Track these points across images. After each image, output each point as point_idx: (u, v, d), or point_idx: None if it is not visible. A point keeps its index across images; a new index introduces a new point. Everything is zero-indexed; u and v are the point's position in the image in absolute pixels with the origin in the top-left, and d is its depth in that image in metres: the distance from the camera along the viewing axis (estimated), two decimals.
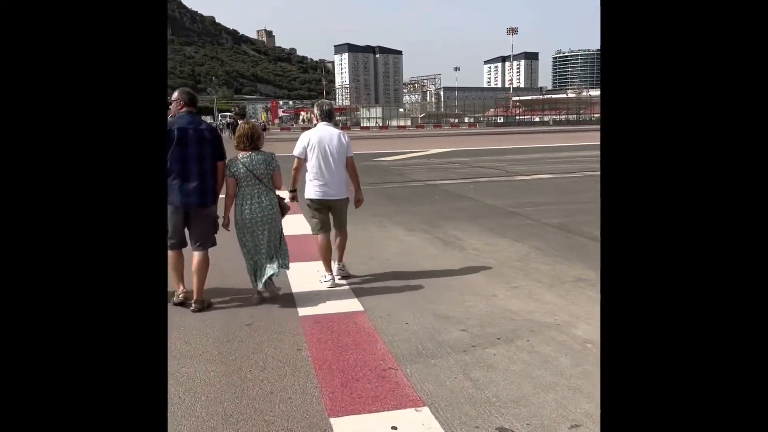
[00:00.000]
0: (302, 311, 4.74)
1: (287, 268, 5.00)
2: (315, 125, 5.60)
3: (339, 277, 5.55)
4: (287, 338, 4.17)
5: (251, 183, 4.83)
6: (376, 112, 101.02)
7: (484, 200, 11.01)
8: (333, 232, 5.58)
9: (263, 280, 4.86)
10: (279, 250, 4.96)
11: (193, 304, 4.77)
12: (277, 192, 5.03)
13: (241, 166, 4.80)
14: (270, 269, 4.85)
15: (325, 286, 5.35)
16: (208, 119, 78.24)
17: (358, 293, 5.20)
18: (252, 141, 4.88)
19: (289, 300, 5.04)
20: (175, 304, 4.79)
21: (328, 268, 5.46)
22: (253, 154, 4.86)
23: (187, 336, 4.24)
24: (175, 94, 4.91)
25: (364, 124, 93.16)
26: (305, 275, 5.68)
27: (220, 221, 4.98)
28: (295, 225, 7.84)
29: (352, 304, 4.90)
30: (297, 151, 5.39)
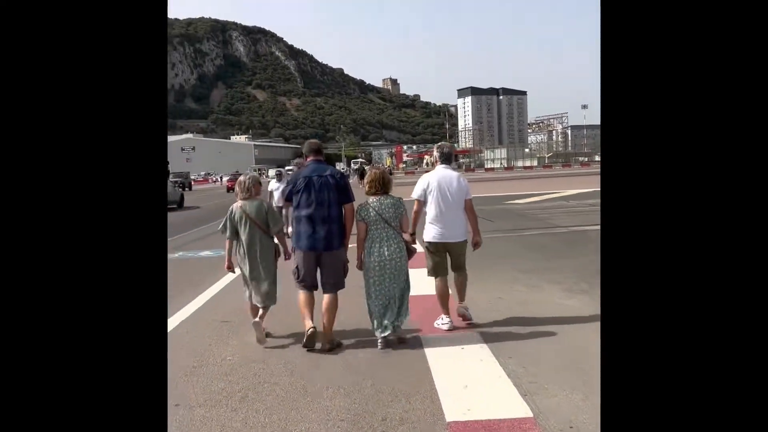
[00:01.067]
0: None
1: (406, 315, 5.03)
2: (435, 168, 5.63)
3: (459, 317, 5.44)
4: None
5: (380, 227, 4.92)
6: (501, 153, 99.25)
7: None
8: (452, 275, 5.52)
9: (386, 330, 4.85)
10: (403, 298, 4.96)
11: (324, 344, 4.87)
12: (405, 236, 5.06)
13: (371, 210, 4.94)
14: (391, 318, 4.86)
15: (443, 328, 5.30)
16: (340, 165, 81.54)
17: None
18: (383, 186, 5.00)
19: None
20: (306, 343, 4.86)
21: (446, 311, 5.39)
22: (383, 198, 4.98)
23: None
24: (303, 148, 5.33)
25: (489, 165, 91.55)
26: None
27: (355, 263, 5.08)
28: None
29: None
30: (416, 194, 5.45)
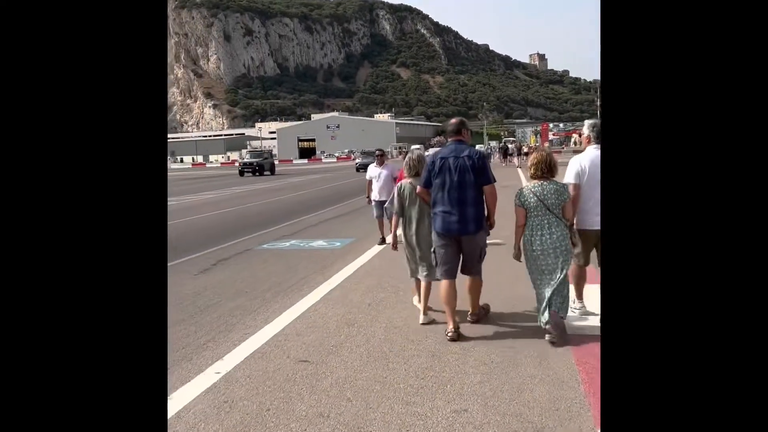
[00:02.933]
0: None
1: (566, 311, 4.70)
2: (584, 148, 5.16)
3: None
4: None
5: (541, 213, 4.62)
6: None
7: None
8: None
9: (547, 318, 4.51)
10: (566, 287, 4.69)
11: (469, 317, 5.02)
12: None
13: (531, 195, 4.65)
14: (560, 303, 4.58)
15: (576, 313, 5.09)
16: (492, 144, 79.14)
17: None
18: (550, 169, 4.68)
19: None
20: (450, 341, 4.65)
21: (579, 296, 5.19)
22: (546, 183, 4.67)
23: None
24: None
25: None
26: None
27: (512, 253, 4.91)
28: None
29: None
30: (570, 177, 4.95)
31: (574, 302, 5.08)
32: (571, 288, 4.96)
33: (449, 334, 4.66)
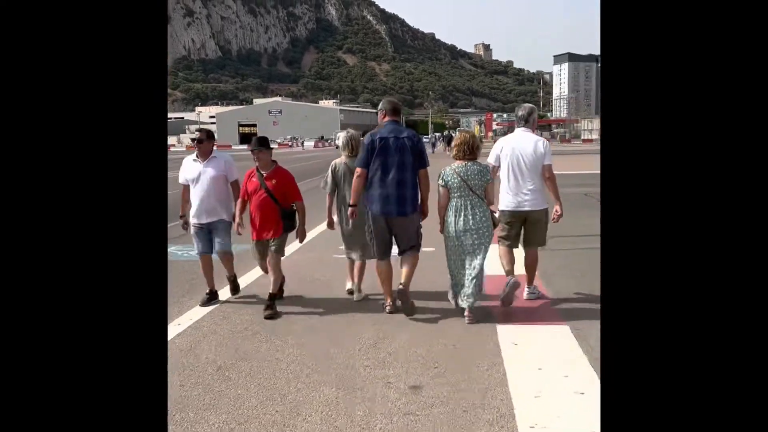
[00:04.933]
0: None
1: (480, 291, 4.70)
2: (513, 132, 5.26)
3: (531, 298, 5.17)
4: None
5: (464, 194, 4.64)
6: (598, 123, 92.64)
7: None
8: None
9: (466, 304, 4.59)
10: (481, 271, 4.65)
11: (399, 285, 4.72)
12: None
13: (455, 176, 4.65)
14: (470, 293, 4.59)
15: (533, 297, 5.14)
16: (435, 135, 79.00)
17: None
18: (471, 151, 4.71)
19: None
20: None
21: (531, 281, 5.20)
22: (470, 164, 4.68)
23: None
24: (380, 105, 4.96)
25: (586, 136, 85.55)
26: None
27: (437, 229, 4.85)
28: None
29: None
30: (490, 158, 5.06)
31: (531, 288, 5.17)
32: (521, 271, 5.07)
33: (388, 308, 4.78)
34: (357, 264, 5.19)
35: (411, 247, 4.81)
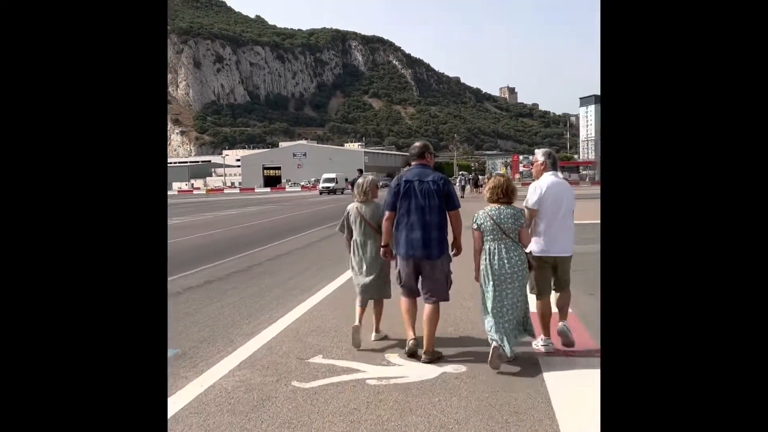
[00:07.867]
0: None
1: (533, 335, 4.80)
2: (537, 176, 5.14)
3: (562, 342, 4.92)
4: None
5: (498, 237, 4.63)
6: None
7: None
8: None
9: (510, 347, 4.49)
10: (526, 315, 4.69)
11: (423, 355, 4.69)
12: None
13: (488, 219, 4.67)
14: (516, 333, 4.61)
15: (542, 350, 4.93)
16: (462, 174, 77.78)
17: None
18: (506, 194, 4.72)
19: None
20: (408, 355, 4.76)
21: (547, 332, 4.96)
22: (503, 207, 4.70)
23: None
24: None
25: None
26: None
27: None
28: None
29: None
30: (531, 202, 4.94)
31: (541, 338, 4.99)
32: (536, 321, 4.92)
33: (410, 344, 4.69)
34: (358, 303, 5.24)
35: (435, 296, 4.74)
